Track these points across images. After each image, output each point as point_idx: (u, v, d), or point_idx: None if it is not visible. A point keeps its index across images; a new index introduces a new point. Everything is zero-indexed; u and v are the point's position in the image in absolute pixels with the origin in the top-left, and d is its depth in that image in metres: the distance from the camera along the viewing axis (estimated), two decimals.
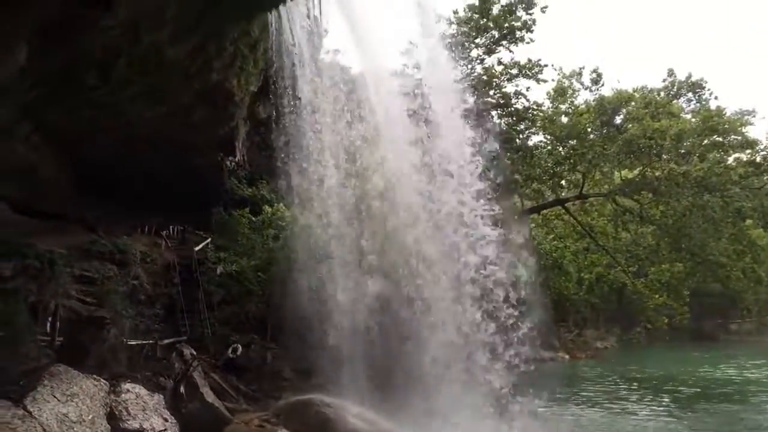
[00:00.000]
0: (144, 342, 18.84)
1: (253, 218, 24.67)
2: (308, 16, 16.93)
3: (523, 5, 31.39)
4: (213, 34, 10.73)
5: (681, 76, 35.93)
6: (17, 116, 10.05)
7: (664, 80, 36.16)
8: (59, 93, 9.73)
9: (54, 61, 8.59)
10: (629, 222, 37.98)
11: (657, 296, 36.47)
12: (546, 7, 31.67)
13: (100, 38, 8.60)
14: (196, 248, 23.69)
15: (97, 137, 11.86)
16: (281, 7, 14.17)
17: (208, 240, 24.41)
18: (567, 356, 41.40)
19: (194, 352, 19.08)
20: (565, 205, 37.88)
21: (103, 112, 10.77)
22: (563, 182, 38.14)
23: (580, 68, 36.00)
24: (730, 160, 35.00)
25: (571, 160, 35.25)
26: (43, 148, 11.34)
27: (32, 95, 9.32)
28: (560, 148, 35.84)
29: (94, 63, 9.33)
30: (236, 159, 17.35)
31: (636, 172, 35.44)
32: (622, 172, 37.09)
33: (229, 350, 20.72)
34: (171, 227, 24.54)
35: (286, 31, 16.18)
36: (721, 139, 34.38)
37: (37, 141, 11.13)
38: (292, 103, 17.66)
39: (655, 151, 33.24)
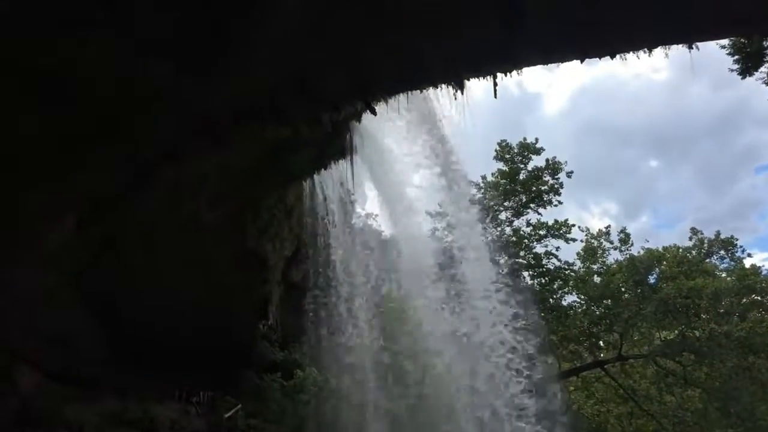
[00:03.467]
0: None
1: (285, 383, 24.17)
2: (341, 184, 17.64)
3: (549, 170, 32.40)
4: (250, 202, 11.24)
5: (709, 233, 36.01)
6: (61, 283, 10.40)
7: (690, 238, 36.16)
8: (101, 260, 10.11)
9: (99, 229, 9.03)
10: (673, 385, 36.27)
11: None
12: (572, 172, 32.64)
13: (142, 207, 9.08)
14: (226, 415, 23.10)
15: (133, 304, 12.12)
16: (315, 176, 14.87)
17: (239, 406, 23.83)
18: None
19: None
20: (605, 367, 36.57)
21: (141, 277, 11.10)
22: (601, 343, 37.11)
23: (607, 227, 36.35)
24: None
25: (607, 321, 34.53)
26: (82, 315, 11.59)
27: (77, 263, 9.69)
28: (595, 308, 35.28)
29: (136, 230, 9.77)
30: (269, 322, 17.45)
31: (676, 332, 34.46)
32: (662, 333, 36.08)
33: None
34: (201, 393, 24.15)
35: (319, 197, 16.84)
36: (759, 298, 33.65)
37: (77, 308, 11.40)
38: (324, 266, 17.98)
39: (693, 311, 32.52)
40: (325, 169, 14.21)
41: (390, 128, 16.06)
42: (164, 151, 8.27)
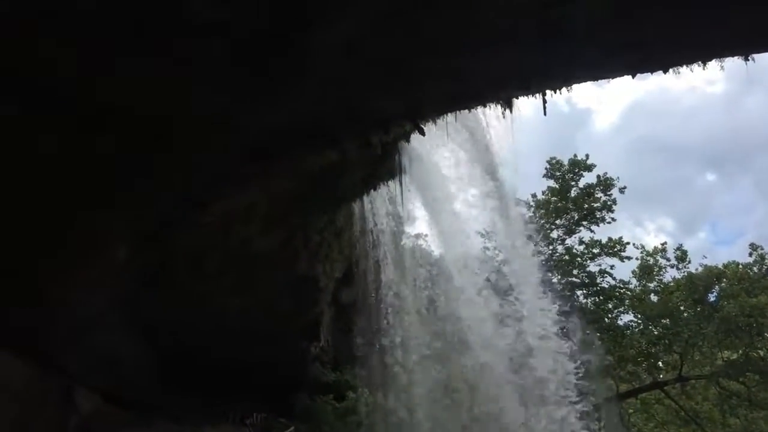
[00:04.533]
0: None
1: (337, 404, 24.15)
2: (390, 204, 17.65)
3: (602, 187, 31.85)
4: (300, 226, 11.31)
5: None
6: (110, 307, 10.63)
7: (750, 254, 34.87)
8: (152, 285, 10.30)
9: (149, 255, 9.20)
10: (737, 406, 34.91)
11: None
12: (624, 187, 32.02)
13: (195, 234, 9.23)
14: None
15: (184, 327, 12.31)
16: (364, 197, 14.92)
17: (292, 428, 23.88)
18: None
19: None
20: (665, 388, 35.49)
21: (192, 303, 11.26)
22: (660, 363, 36.07)
23: (663, 244, 35.43)
24: None
25: (666, 341, 33.54)
26: (134, 339, 11.81)
27: (129, 289, 9.89)
28: (653, 328, 34.33)
29: (187, 256, 9.93)
30: (320, 344, 17.51)
31: (739, 352, 33.25)
32: (724, 353, 34.84)
33: None
34: (255, 415, 24.30)
35: (369, 219, 16.87)
36: None
37: (129, 332, 11.63)
38: (375, 287, 17.97)
39: (756, 330, 31.36)
40: (375, 190, 14.24)
41: (439, 148, 16.06)
42: (215, 182, 8.43)
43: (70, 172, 7.15)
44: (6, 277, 8.80)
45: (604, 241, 32.53)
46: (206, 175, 8.08)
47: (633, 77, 10.54)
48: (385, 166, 12.62)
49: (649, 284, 34.78)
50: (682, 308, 33.55)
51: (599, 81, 11.51)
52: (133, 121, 6.61)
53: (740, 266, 34.44)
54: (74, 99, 6.28)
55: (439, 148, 16.17)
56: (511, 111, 11.67)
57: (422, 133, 11.98)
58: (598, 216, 32.24)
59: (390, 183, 14.06)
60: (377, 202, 16.99)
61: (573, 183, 32.39)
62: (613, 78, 10.72)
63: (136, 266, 9.17)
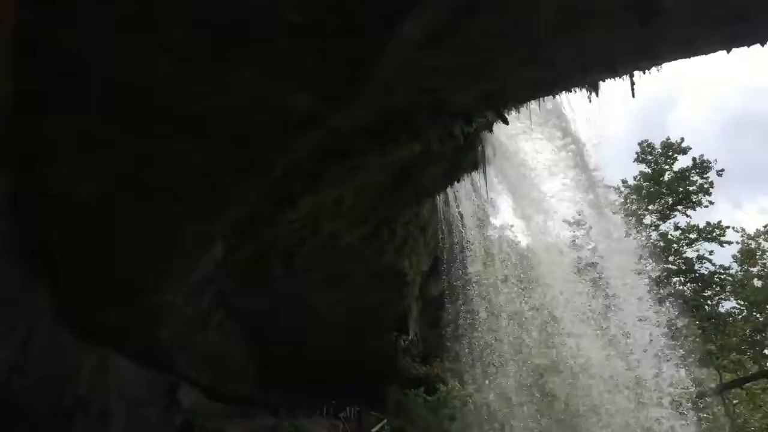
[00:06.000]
0: None
1: (428, 397, 24.17)
2: (475, 196, 17.49)
3: (697, 170, 30.47)
4: (386, 220, 11.36)
5: None
6: (211, 306, 10.98)
7: None
8: (247, 282, 10.58)
9: (244, 253, 9.45)
10: None
11: None
12: (722, 170, 30.46)
13: (285, 231, 9.42)
14: (373, 430, 23.41)
15: (280, 324, 12.60)
16: (448, 189, 14.83)
17: (384, 421, 24.08)
18: None
19: None
20: None
21: (286, 299, 11.51)
22: (766, 351, 34.31)
23: (765, 226, 33.53)
24: None
25: None
26: (232, 336, 12.19)
27: (225, 286, 10.20)
28: (757, 314, 32.65)
29: (279, 253, 10.15)
30: (409, 337, 17.57)
31: None
32: None
33: None
34: (348, 408, 24.65)
35: (454, 211, 16.77)
36: None
37: (228, 329, 12.01)
38: (462, 279, 17.87)
39: None
40: (458, 182, 14.13)
41: (523, 136, 15.78)
42: (304, 178, 8.56)
43: (172, 178, 7.39)
44: (126, 287, 9.20)
45: (701, 225, 31.17)
46: (296, 172, 8.21)
47: (728, 52, 10.00)
48: (468, 157, 12.49)
49: (752, 269, 33.02)
50: None
51: (691, 59, 10.98)
52: (228, 122, 6.78)
53: None
54: (171, 108, 6.48)
55: (523, 136, 15.90)
56: (597, 95, 11.31)
57: (505, 122, 11.79)
58: (694, 200, 30.87)
59: (474, 174, 13.92)
60: (462, 194, 16.86)
61: (666, 167, 31.15)
62: (707, 54, 10.19)
63: (232, 265, 9.44)
